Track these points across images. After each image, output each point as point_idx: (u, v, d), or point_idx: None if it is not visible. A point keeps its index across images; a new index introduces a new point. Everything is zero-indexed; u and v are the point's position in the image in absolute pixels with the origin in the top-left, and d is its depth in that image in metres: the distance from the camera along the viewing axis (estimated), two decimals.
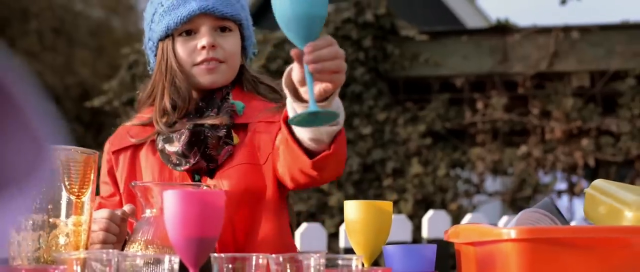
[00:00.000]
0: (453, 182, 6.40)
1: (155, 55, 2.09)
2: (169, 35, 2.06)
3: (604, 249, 1.48)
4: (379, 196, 6.45)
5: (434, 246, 1.83)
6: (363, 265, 1.77)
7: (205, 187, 1.86)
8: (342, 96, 6.41)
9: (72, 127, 12.24)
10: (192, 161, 1.98)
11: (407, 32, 6.61)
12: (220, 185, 1.96)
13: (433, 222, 4.15)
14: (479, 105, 6.56)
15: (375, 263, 1.88)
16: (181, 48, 2.06)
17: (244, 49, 2.12)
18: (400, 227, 4.07)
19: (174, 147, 2.00)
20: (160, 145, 2.03)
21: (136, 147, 2.08)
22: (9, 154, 0.77)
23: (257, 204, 1.98)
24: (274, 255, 1.49)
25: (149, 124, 2.08)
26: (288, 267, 1.48)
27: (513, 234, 1.49)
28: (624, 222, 1.64)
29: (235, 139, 2.02)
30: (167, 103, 2.03)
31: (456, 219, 6.15)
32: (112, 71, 11.08)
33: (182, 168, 1.99)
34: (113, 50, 12.54)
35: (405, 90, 6.77)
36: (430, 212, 4.36)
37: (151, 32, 2.10)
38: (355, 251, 1.82)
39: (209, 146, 1.98)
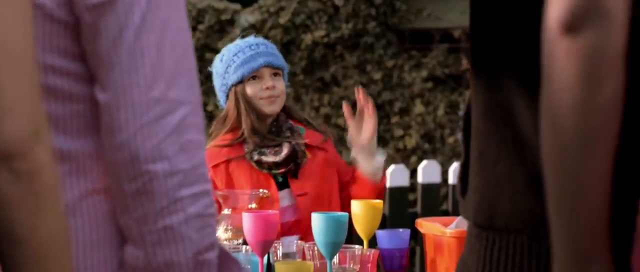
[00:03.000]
0: (451, 120, 7.16)
1: (227, 96, 3.10)
2: (242, 81, 3.06)
3: None
4: (388, 132, 7.20)
5: (408, 231, 2.82)
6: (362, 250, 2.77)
7: (264, 194, 2.86)
8: (356, 46, 7.30)
9: None
10: (284, 169, 3.01)
11: None
12: (301, 183, 2.98)
13: (426, 171, 5.15)
14: None
15: (373, 243, 2.80)
16: (250, 88, 3.03)
17: None
18: (400, 174, 5.06)
19: (271, 158, 3.00)
20: (256, 157, 3.00)
21: (227, 162, 3.06)
22: None
23: (324, 198, 3.02)
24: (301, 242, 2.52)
25: (233, 144, 3.04)
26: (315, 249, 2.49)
27: (448, 233, 2.48)
28: None
29: (307, 154, 3.06)
30: (249, 127, 3.01)
31: (453, 150, 7.04)
32: None
33: (277, 172, 3.00)
34: None
35: (411, 41, 7.46)
36: (424, 162, 5.24)
37: (225, 80, 3.07)
38: (358, 234, 2.81)
39: (298, 159, 3.02)
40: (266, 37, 7.12)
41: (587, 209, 1.04)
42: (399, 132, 7.19)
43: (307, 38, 7.27)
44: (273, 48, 3.16)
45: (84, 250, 1.22)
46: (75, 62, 1.23)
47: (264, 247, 2.42)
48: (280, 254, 2.51)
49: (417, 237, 4.76)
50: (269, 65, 3.05)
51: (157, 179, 1.21)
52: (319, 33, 7.27)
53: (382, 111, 7.29)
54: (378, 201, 2.83)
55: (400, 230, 2.80)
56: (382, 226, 4.58)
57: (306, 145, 3.08)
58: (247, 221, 2.39)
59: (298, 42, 7.31)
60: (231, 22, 7.35)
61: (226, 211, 2.73)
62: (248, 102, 3.03)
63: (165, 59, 1.21)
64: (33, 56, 1.10)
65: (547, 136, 1.06)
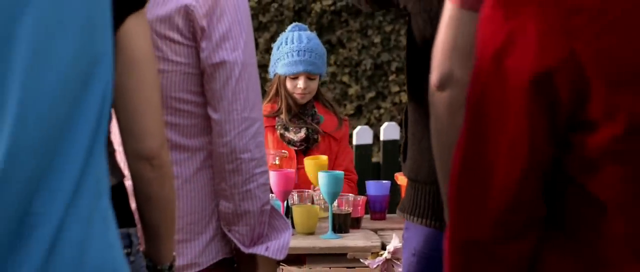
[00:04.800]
0: None
1: (273, 76, 3.97)
2: (284, 76, 3.87)
3: None
4: (386, 88, 7.93)
5: (389, 182, 3.81)
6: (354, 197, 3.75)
7: (285, 154, 3.85)
8: (359, 13, 8.05)
9: None
10: (298, 146, 3.88)
11: None
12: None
13: (387, 131, 5.91)
14: None
15: (362, 191, 3.88)
16: (289, 83, 3.87)
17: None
18: (393, 129, 5.79)
19: (291, 135, 3.86)
20: (280, 130, 3.87)
21: (265, 128, 3.81)
22: None
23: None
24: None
25: (270, 115, 3.86)
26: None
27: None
28: None
29: (319, 139, 3.92)
30: (283, 106, 3.90)
31: None
32: None
33: (293, 146, 3.87)
34: None
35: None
36: (385, 124, 5.95)
37: (274, 65, 3.92)
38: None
39: (311, 142, 3.91)
40: (281, 5, 8.03)
41: (443, 170, 1.71)
42: (395, 88, 7.97)
43: (317, 6, 8.02)
44: (317, 56, 3.86)
45: (196, 201, 2.24)
46: (197, 95, 2.20)
47: (284, 195, 3.44)
48: (296, 199, 3.54)
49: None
50: (306, 72, 3.88)
51: (244, 162, 2.15)
52: (327, 2, 8.02)
53: (381, 70, 8.05)
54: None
55: (383, 181, 3.84)
56: (376, 173, 5.59)
57: (320, 132, 3.91)
58: (272, 176, 3.39)
59: (309, 10, 8.06)
60: None
61: None
62: (286, 90, 3.90)
63: (249, 94, 2.18)
64: (160, 101, 1.75)
65: (432, 134, 1.81)
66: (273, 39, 7.94)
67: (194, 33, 2.15)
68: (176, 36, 2.15)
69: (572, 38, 1.20)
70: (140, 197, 1.80)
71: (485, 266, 1.35)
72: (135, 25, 1.64)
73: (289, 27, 4.03)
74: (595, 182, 1.27)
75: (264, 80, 7.93)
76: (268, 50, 8.03)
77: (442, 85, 1.71)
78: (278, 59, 3.92)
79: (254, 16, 8.01)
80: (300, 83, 3.87)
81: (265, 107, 3.92)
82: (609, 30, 1.20)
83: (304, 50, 3.85)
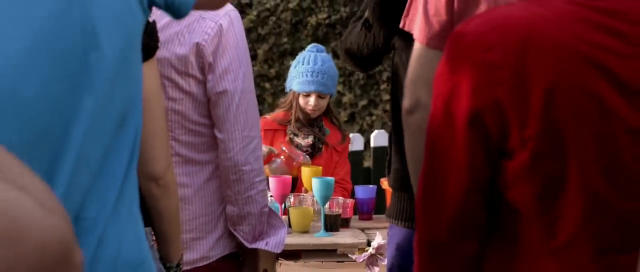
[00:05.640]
0: None
1: (288, 90, 4.30)
2: (298, 92, 4.20)
3: None
4: (377, 96, 8.17)
5: (375, 186, 4.20)
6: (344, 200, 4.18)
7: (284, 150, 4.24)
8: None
9: None
10: (304, 151, 4.17)
11: None
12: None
13: (377, 138, 6.17)
14: None
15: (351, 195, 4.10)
16: (302, 99, 4.19)
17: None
18: (382, 137, 5.99)
19: (299, 140, 4.19)
20: (290, 135, 4.21)
21: (276, 131, 4.24)
22: None
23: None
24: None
25: (282, 122, 4.24)
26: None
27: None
28: None
29: (322, 149, 4.26)
30: (294, 116, 4.20)
31: None
32: None
33: (300, 150, 4.13)
34: None
35: None
36: (375, 132, 6.17)
37: (290, 81, 4.25)
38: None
39: (315, 151, 4.25)
40: (278, 18, 8.30)
41: (415, 179, 2.01)
42: (386, 97, 8.14)
43: (313, 19, 8.26)
44: (328, 78, 4.19)
45: (207, 205, 2.62)
46: (206, 118, 2.48)
47: (282, 198, 3.82)
48: (292, 202, 3.91)
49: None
50: (317, 92, 4.23)
51: (246, 173, 2.48)
52: (322, 15, 8.26)
53: (373, 79, 8.25)
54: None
55: (370, 186, 4.24)
56: (367, 178, 5.92)
57: (325, 142, 4.26)
58: (272, 182, 3.77)
59: (305, 23, 8.30)
60: (250, 5, 8.33)
61: None
62: (299, 104, 4.24)
63: (248, 117, 2.51)
64: (165, 130, 2.01)
65: (406, 150, 2.15)
66: (271, 50, 8.30)
67: (203, 67, 2.49)
68: (191, 71, 2.51)
69: (496, 88, 1.51)
70: (150, 210, 2.09)
71: (444, 260, 1.63)
72: (148, 70, 1.85)
73: (308, 47, 4.36)
74: (514, 196, 1.55)
75: (263, 89, 8.29)
76: (266, 61, 8.36)
77: (412, 110, 2.03)
78: (294, 76, 4.28)
79: (253, 29, 8.27)
80: (312, 100, 4.23)
81: (280, 114, 4.33)
82: (522, 82, 1.51)
83: (318, 72, 4.20)
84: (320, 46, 4.40)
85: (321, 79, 4.20)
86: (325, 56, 4.31)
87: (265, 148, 3.91)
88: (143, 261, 1.60)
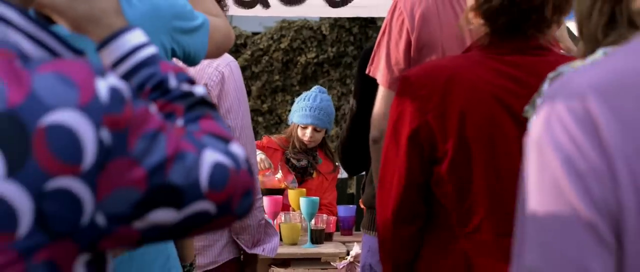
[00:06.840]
0: None
1: (291, 122, 4.89)
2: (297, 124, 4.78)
3: None
4: None
5: (355, 207, 4.79)
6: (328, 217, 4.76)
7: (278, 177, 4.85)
8: (339, 64, 8.59)
9: None
10: (297, 171, 4.75)
11: None
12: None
13: None
14: None
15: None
16: (300, 131, 4.74)
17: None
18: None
19: (294, 162, 4.75)
20: (288, 156, 4.78)
21: (275, 150, 4.81)
22: None
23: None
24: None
25: (282, 145, 4.82)
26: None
27: None
28: None
29: (314, 175, 4.84)
30: (293, 143, 4.77)
31: None
32: None
33: (294, 171, 4.72)
34: None
35: None
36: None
37: (293, 114, 4.81)
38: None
39: (307, 174, 4.83)
40: (271, 58, 8.80)
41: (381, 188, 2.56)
42: None
43: (302, 58, 8.82)
44: (325, 115, 4.69)
45: None
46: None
47: (274, 215, 4.39)
48: (283, 219, 4.50)
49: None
50: (313, 125, 4.77)
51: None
52: (311, 55, 8.83)
53: None
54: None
55: (350, 206, 4.83)
56: (351, 201, 6.48)
57: (316, 169, 4.83)
58: (265, 201, 4.30)
59: (295, 62, 8.87)
60: (245, 45, 8.87)
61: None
62: (297, 134, 4.81)
63: (246, 148, 3.04)
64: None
65: (373, 171, 2.70)
66: (264, 86, 8.81)
67: None
68: None
69: (427, 114, 2.09)
70: None
71: (394, 238, 2.14)
72: None
73: (313, 88, 4.94)
74: (440, 193, 2.11)
75: (256, 122, 8.82)
76: (259, 96, 8.86)
77: (376, 140, 2.50)
78: (296, 110, 4.83)
79: (248, 67, 8.75)
80: (308, 132, 4.77)
81: (282, 138, 4.92)
82: (444, 110, 2.08)
83: (316, 108, 4.74)
84: (323, 88, 4.91)
85: (318, 114, 4.72)
86: (325, 96, 4.84)
87: (266, 161, 4.45)
88: (169, 256, 1.85)
